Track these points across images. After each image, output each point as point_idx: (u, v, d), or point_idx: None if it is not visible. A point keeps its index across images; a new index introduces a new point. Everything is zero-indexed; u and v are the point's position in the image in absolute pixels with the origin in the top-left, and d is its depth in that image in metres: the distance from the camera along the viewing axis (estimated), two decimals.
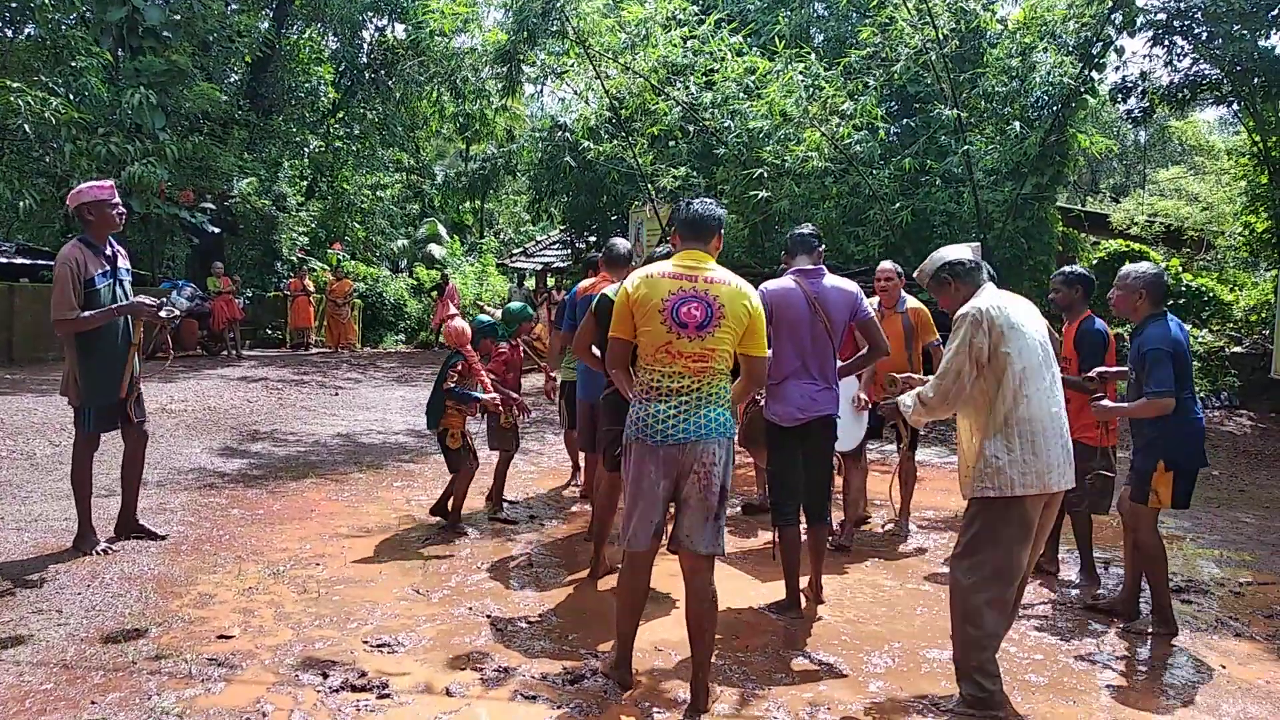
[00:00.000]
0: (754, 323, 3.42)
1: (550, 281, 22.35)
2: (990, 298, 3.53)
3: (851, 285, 4.58)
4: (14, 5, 14.66)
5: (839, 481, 5.84)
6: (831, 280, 4.50)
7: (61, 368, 5.00)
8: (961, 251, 3.73)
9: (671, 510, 3.51)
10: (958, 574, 3.52)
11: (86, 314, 4.73)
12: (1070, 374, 4.63)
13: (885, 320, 5.74)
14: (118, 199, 4.97)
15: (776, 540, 4.47)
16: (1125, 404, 4.41)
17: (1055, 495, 3.52)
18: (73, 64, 13.79)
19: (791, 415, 4.39)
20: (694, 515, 3.39)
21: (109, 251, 4.95)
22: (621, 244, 5.51)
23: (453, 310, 6.18)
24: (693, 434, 3.33)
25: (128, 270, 5.09)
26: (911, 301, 6.03)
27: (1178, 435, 4.28)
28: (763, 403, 4.61)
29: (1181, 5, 12.43)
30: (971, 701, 3.44)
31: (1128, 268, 4.48)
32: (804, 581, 4.59)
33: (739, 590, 4.85)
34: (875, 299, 5.83)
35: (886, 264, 6.12)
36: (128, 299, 4.95)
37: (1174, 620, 4.43)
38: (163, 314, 4.98)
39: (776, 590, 4.59)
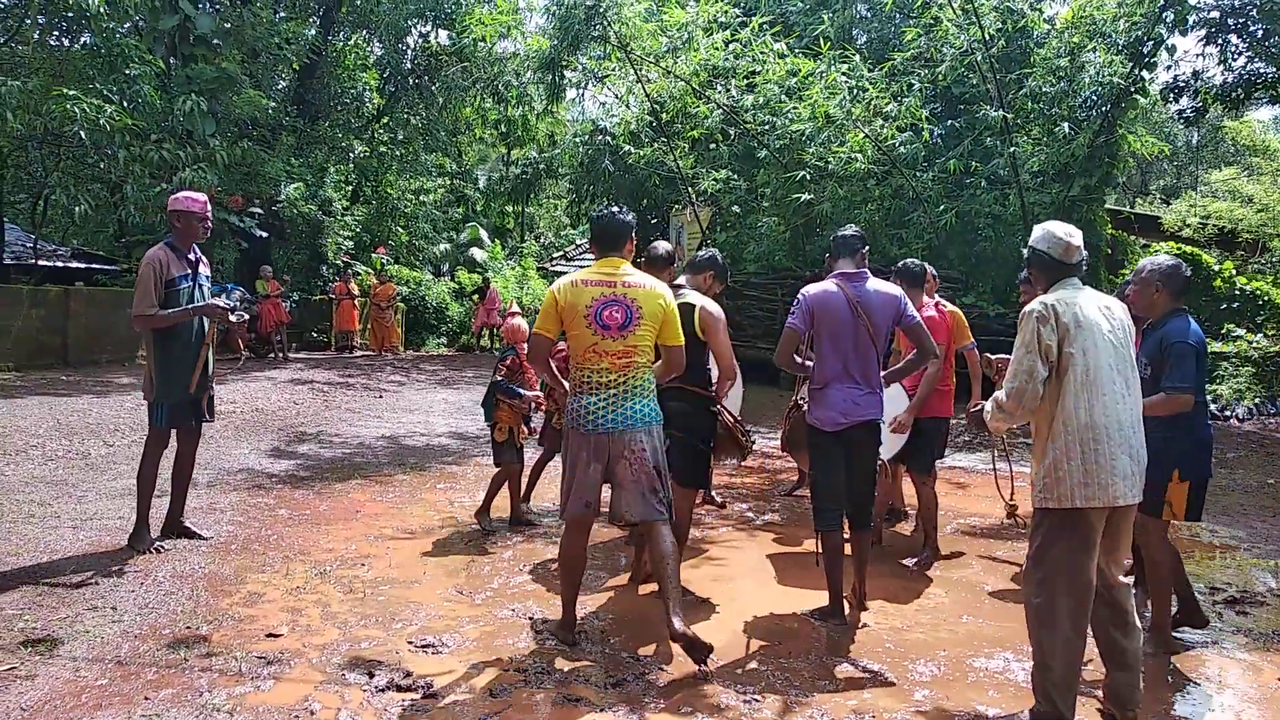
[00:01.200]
0: (668, 316, 3.92)
1: None
2: (1064, 293, 3.35)
3: (895, 289, 4.52)
4: (70, 15, 15.04)
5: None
6: (875, 284, 4.45)
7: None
8: (1057, 234, 3.41)
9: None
10: (1027, 589, 3.38)
11: (164, 312, 4.96)
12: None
13: None
14: (208, 214, 5.25)
15: (819, 546, 4.44)
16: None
17: (1124, 508, 3.32)
18: (126, 72, 14.10)
19: (834, 420, 4.35)
20: (629, 493, 3.89)
21: (192, 257, 5.22)
22: (662, 246, 5.49)
23: (514, 309, 6.34)
24: (620, 424, 3.84)
25: (208, 276, 5.35)
26: (946, 305, 5.95)
27: (1191, 443, 4.06)
28: (805, 407, 4.58)
29: (1236, 3, 12.16)
30: (1037, 715, 3.32)
31: (1144, 261, 4.28)
32: (848, 589, 4.56)
33: (783, 596, 4.82)
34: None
35: (929, 268, 6.07)
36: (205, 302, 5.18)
37: (1172, 642, 4.24)
38: (233, 318, 5.19)
39: (820, 597, 4.56)
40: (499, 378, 5.89)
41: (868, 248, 4.63)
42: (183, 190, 5.45)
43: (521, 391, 5.81)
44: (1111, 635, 3.40)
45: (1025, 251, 3.60)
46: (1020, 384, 3.30)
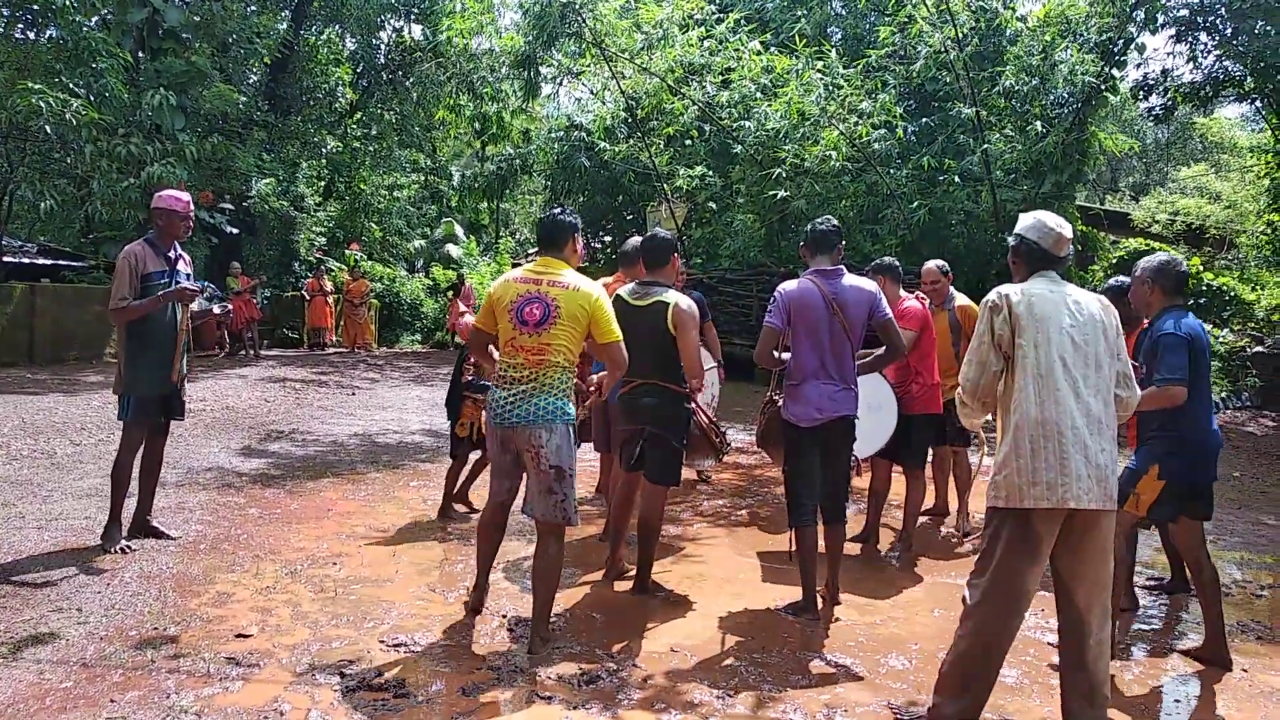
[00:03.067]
0: (595, 315, 3.93)
1: None
2: (1026, 284, 3.23)
3: (870, 285, 4.54)
4: (35, 7, 14.80)
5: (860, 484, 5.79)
6: (850, 280, 4.47)
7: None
8: (1046, 223, 3.32)
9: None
10: (967, 590, 3.19)
11: (136, 302, 4.94)
12: None
13: (933, 317, 5.90)
14: (191, 213, 5.24)
15: (793, 542, 4.45)
16: None
17: (1087, 515, 3.04)
18: (93, 65, 13.91)
19: (810, 416, 4.36)
20: (533, 487, 3.98)
21: (172, 254, 5.18)
22: (633, 242, 5.49)
23: (462, 309, 6.36)
24: (522, 419, 3.90)
25: (188, 275, 5.30)
26: (960, 299, 6.06)
27: (1180, 441, 3.95)
28: (780, 403, 4.59)
29: (1205, 1, 12.31)
30: (935, 716, 3.17)
31: (1140, 260, 4.23)
32: (822, 584, 4.57)
33: (758, 591, 4.83)
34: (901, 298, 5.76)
35: (931, 264, 6.17)
36: None
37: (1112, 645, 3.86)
38: (217, 309, 5.24)
39: (793, 592, 4.57)
40: (469, 377, 5.95)
41: (843, 242, 4.65)
42: (163, 189, 5.42)
43: (486, 383, 5.80)
44: (1072, 682, 3.11)
45: (1010, 239, 3.46)
46: (974, 375, 3.23)
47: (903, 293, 5.72)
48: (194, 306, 5.19)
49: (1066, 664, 3.14)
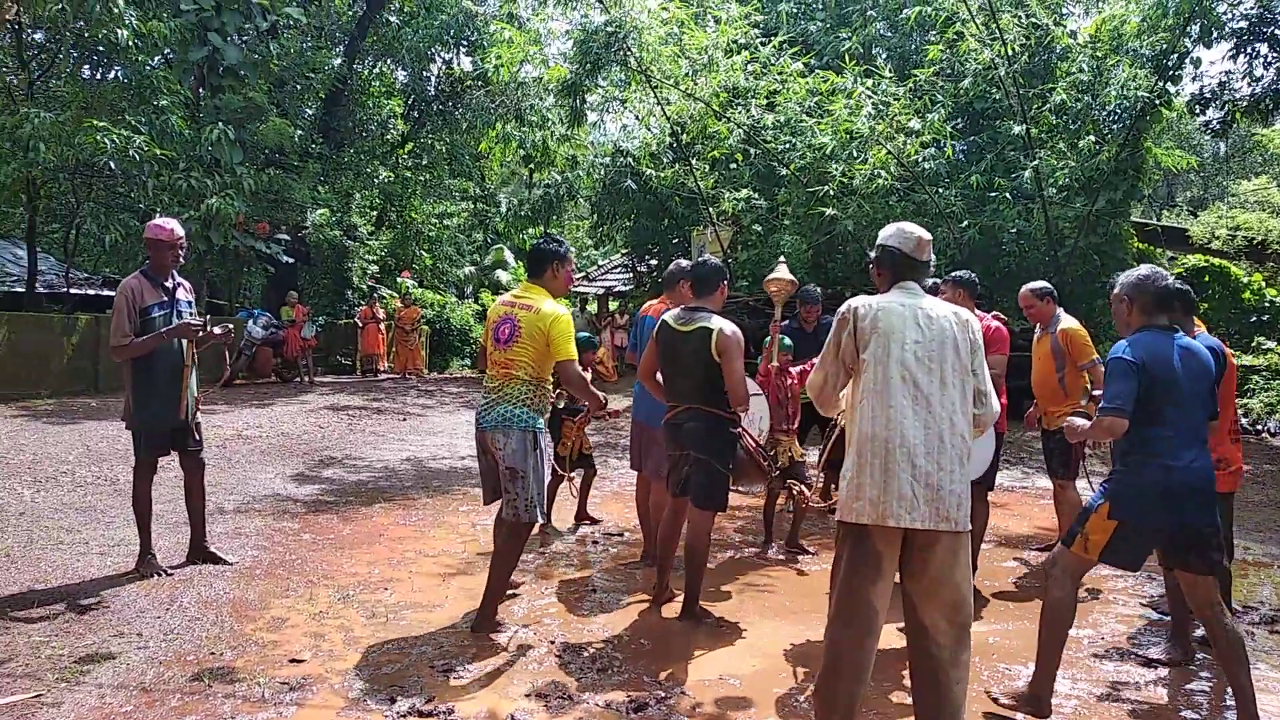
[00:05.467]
0: (551, 334, 4.33)
1: (613, 305, 22.46)
2: (880, 297, 3.17)
3: (963, 311, 4.39)
4: (101, 49, 15.38)
5: None
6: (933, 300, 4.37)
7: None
8: (908, 234, 3.28)
9: None
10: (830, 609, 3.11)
11: (138, 340, 4.95)
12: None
13: (1037, 341, 5.80)
14: (176, 242, 5.15)
15: None
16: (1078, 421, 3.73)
17: (924, 535, 2.94)
18: (155, 103, 14.39)
19: None
20: (501, 485, 4.42)
21: (169, 284, 5.17)
22: (675, 266, 5.49)
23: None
24: (487, 424, 4.42)
25: (189, 303, 5.29)
26: (1066, 322, 5.70)
27: (1136, 478, 3.51)
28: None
29: (1265, 13, 12.04)
30: None
31: (1122, 274, 3.86)
32: None
33: (807, 620, 4.77)
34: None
35: (1026, 288, 5.85)
36: None
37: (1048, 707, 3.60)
38: (214, 329, 5.20)
39: None
40: (560, 404, 6.44)
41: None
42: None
43: (582, 405, 6.25)
44: (922, 704, 3.04)
45: (871, 253, 3.39)
46: (818, 382, 3.25)
47: (977, 311, 5.51)
48: (218, 332, 5.19)
49: (917, 685, 3.07)
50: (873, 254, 3.35)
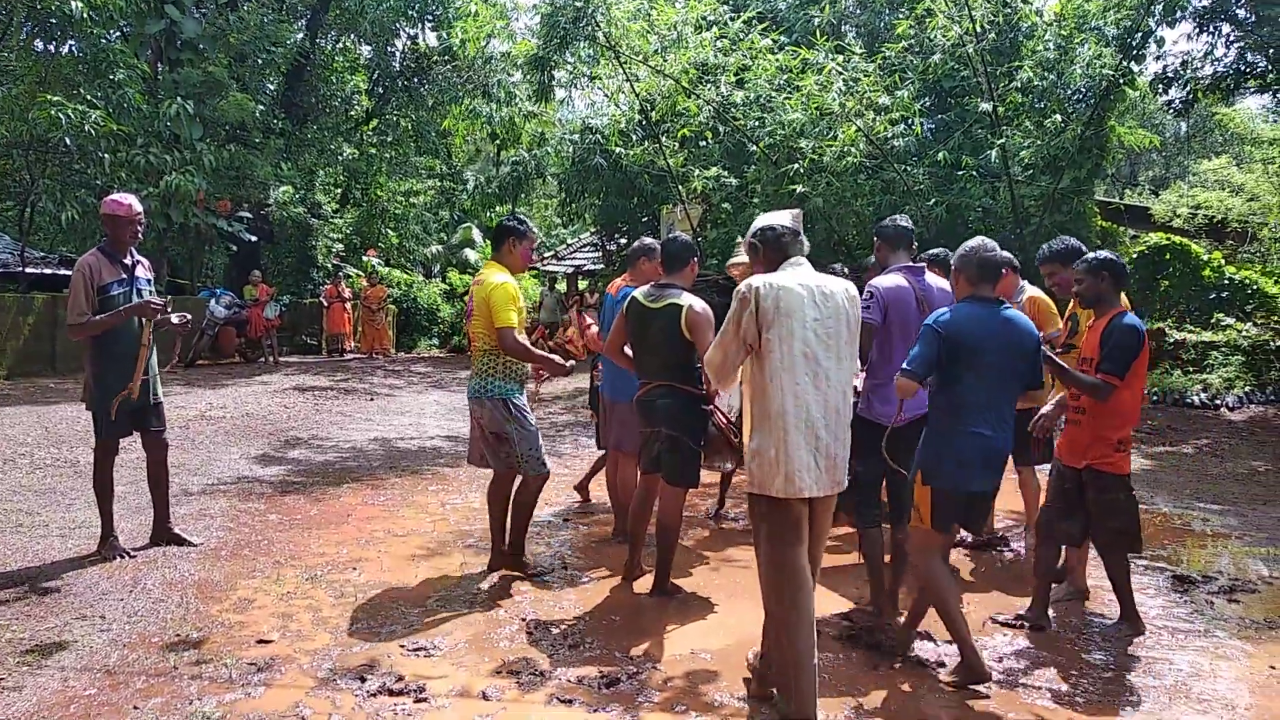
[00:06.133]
0: (490, 300, 4.61)
1: (582, 284, 22.37)
2: (777, 276, 3.29)
3: (949, 285, 4.42)
4: (54, 21, 14.96)
5: None
6: (933, 279, 4.41)
7: None
8: (779, 218, 3.57)
9: None
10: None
11: (95, 318, 4.84)
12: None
13: None
14: (134, 217, 5.04)
15: (861, 544, 4.45)
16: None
17: (821, 501, 3.28)
18: (112, 77, 14.05)
19: (893, 415, 4.17)
20: (484, 449, 4.91)
21: (128, 261, 5.05)
22: (639, 244, 5.47)
23: (588, 320, 6.82)
24: (469, 394, 4.88)
25: (148, 280, 5.18)
26: (1030, 290, 5.69)
27: (941, 444, 3.66)
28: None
29: None
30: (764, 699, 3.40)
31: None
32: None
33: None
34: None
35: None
36: None
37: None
38: (174, 319, 5.12)
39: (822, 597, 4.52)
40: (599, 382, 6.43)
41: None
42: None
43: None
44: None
45: (749, 240, 3.54)
46: (717, 360, 3.35)
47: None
48: (174, 320, 5.12)
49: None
50: (753, 241, 3.50)
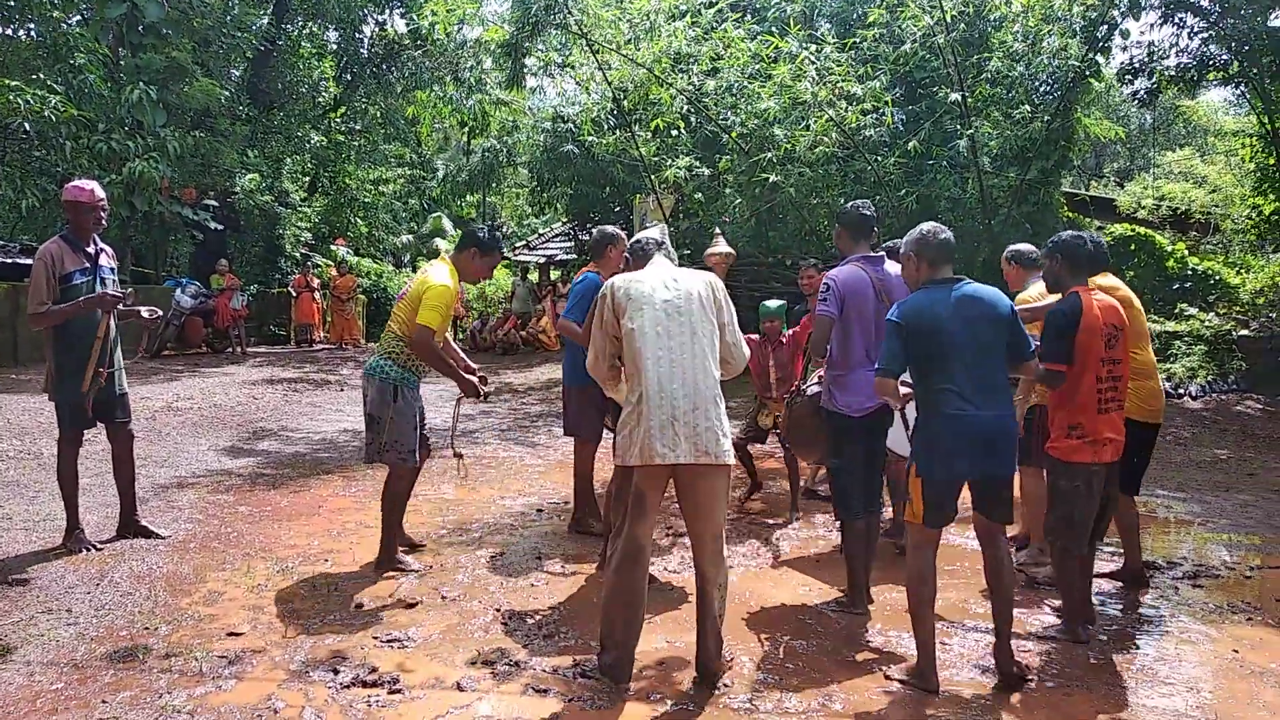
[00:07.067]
0: (418, 299, 4.56)
1: (554, 274, 22.30)
2: (632, 273, 3.69)
3: None
4: (12, 4, 14.64)
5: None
6: (892, 268, 4.38)
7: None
8: (650, 233, 4.03)
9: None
10: None
11: (55, 308, 4.75)
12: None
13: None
14: (97, 204, 4.93)
15: (843, 535, 4.46)
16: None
17: (688, 469, 3.40)
18: (72, 62, 13.78)
19: (861, 404, 4.24)
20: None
21: (91, 249, 4.95)
22: (599, 231, 5.45)
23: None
24: (364, 370, 4.86)
25: (112, 269, 5.09)
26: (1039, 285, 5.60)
27: (924, 433, 3.59)
28: (810, 395, 4.66)
29: None
30: (600, 667, 3.57)
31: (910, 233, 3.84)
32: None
33: (753, 584, 4.83)
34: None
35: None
36: None
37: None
38: (142, 310, 5.08)
39: (788, 584, 4.56)
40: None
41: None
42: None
43: None
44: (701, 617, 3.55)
45: (628, 254, 4.03)
46: (593, 359, 3.70)
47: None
48: (144, 314, 5.08)
49: (698, 600, 3.57)
50: (626, 256, 4.00)
